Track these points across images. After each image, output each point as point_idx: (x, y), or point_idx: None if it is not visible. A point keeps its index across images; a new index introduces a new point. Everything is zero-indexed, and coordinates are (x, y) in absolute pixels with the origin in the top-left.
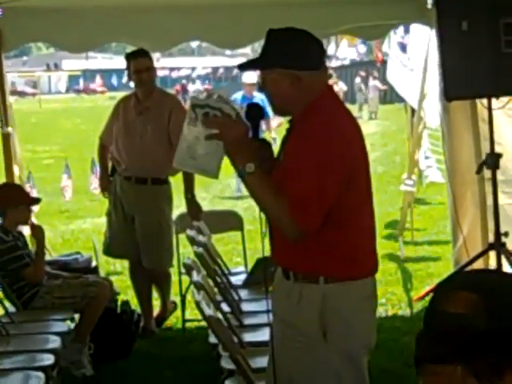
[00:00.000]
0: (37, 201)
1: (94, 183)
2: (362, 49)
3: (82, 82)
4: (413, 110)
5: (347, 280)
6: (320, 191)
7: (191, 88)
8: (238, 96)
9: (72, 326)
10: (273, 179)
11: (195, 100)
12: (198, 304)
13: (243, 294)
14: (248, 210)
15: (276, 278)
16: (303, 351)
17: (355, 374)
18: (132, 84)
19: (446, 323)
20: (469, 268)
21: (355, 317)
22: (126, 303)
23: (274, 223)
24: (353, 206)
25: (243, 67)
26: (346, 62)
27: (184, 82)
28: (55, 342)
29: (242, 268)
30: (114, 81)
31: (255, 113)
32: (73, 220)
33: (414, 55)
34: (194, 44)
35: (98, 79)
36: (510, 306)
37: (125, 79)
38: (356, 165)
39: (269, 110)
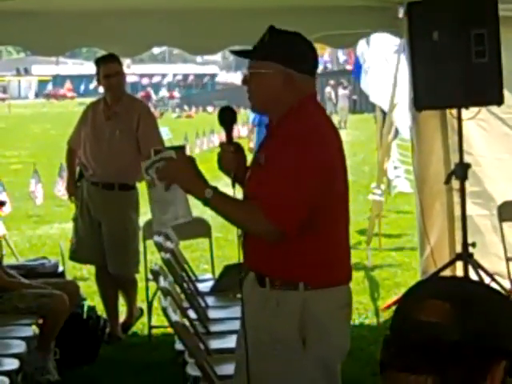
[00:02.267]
0: (2, 204)
1: (60, 187)
2: (342, 57)
3: (51, 87)
4: (383, 120)
5: (326, 287)
6: (298, 192)
7: (161, 94)
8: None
9: (37, 330)
10: (251, 181)
11: (143, 164)
12: (164, 310)
13: (210, 300)
14: (216, 217)
15: (247, 285)
16: (280, 359)
17: (330, 382)
18: (101, 89)
19: (418, 331)
20: None
21: (333, 325)
22: (92, 309)
23: (251, 233)
24: (332, 212)
25: (239, 53)
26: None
27: (148, 89)
28: (20, 347)
29: (209, 275)
30: (84, 86)
31: (228, 117)
32: (40, 225)
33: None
34: (166, 51)
35: (68, 84)
36: (484, 317)
37: (95, 85)
38: (335, 171)
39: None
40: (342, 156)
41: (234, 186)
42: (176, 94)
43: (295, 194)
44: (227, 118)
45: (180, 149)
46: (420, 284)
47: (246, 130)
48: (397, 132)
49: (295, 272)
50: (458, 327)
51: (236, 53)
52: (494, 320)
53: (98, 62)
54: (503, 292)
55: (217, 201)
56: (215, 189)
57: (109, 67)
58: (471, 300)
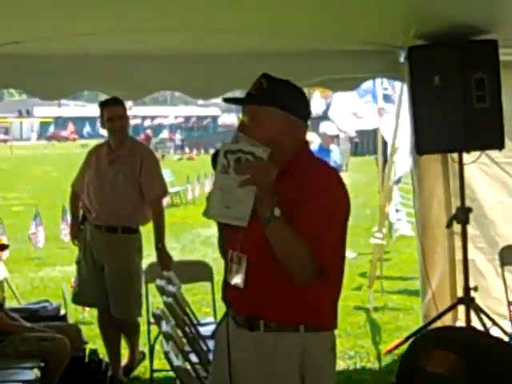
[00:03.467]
0: (4, 247)
1: (65, 231)
2: None
3: (53, 128)
4: (384, 163)
5: (322, 330)
6: (336, 233)
7: (161, 136)
8: (314, 146)
9: (39, 374)
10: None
11: (227, 146)
12: (166, 354)
13: (212, 344)
14: (218, 260)
15: (229, 329)
16: None
17: None
18: (104, 132)
19: (424, 382)
20: (438, 322)
21: (327, 367)
22: (94, 352)
23: (291, 266)
24: (343, 255)
25: (235, 101)
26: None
27: (148, 131)
28: None
29: (211, 318)
30: (87, 128)
31: None
32: (42, 267)
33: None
34: (167, 93)
35: (70, 126)
36: (489, 368)
37: (97, 127)
38: (347, 216)
39: None
40: (349, 201)
41: (221, 230)
42: (178, 135)
43: (333, 232)
44: None
45: (267, 152)
46: (426, 334)
47: None
48: (399, 179)
49: (297, 314)
50: (463, 378)
51: (231, 100)
52: (500, 372)
53: (102, 105)
54: (505, 335)
55: (281, 223)
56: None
57: (112, 110)
58: (478, 351)
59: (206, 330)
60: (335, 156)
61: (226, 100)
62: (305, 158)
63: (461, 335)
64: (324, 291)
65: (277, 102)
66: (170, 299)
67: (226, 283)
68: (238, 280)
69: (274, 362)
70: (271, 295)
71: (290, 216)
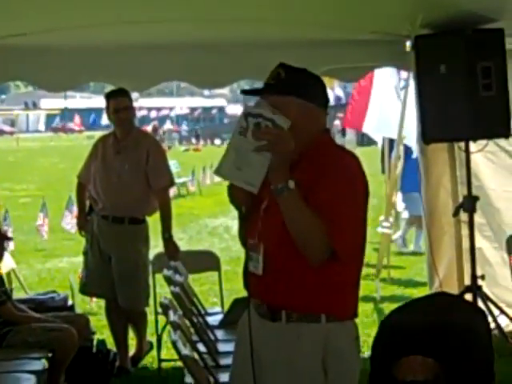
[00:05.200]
0: (8, 239)
1: (69, 221)
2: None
3: (59, 120)
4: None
5: (344, 319)
6: (355, 220)
7: (166, 128)
8: None
9: (47, 364)
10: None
11: (249, 108)
12: (174, 344)
13: (219, 334)
14: (225, 250)
15: (251, 319)
16: None
17: None
18: (110, 122)
19: None
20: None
21: (352, 357)
22: (101, 342)
23: (303, 243)
24: (362, 243)
25: (253, 92)
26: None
27: (155, 122)
28: (30, 381)
29: (218, 308)
30: (92, 120)
31: None
32: (49, 258)
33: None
34: (173, 84)
35: (77, 118)
36: (468, 367)
37: (104, 118)
38: (367, 205)
39: None
40: (368, 188)
41: (243, 220)
42: (184, 127)
43: (351, 219)
44: None
45: (287, 123)
46: (395, 334)
47: None
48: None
49: (317, 304)
50: (445, 380)
51: (249, 92)
52: (478, 356)
53: (108, 96)
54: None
55: (294, 195)
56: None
57: (118, 101)
58: (453, 350)
59: (213, 320)
60: None
61: (245, 91)
62: (325, 145)
63: (434, 332)
64: (343, 279)
65: (295, 91)
66: (177, 289)
67: (246, 272)
68: (257, 267)
69: (297, 353)
70: (291, 284)
71: (307, 198)
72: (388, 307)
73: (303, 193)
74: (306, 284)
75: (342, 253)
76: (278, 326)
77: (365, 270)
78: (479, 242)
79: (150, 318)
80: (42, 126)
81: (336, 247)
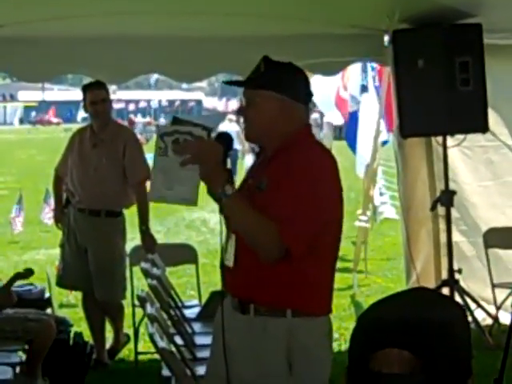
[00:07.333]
0: None
1: (47, 214)
2: None
3: (37, 113)
4: None
5: (312, 315)
6: (309, 217)
7: (143, 120)
8: None
9: (24, 357)
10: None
11: (163, 129)
12: (151, 336)
13: (197, 327)
14: (202, 243)
15: (226, 312)
16: None
17: None
18: (86, 115)
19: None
20: None
21: (319, 353)
22: (78, 335)
23: (250, 242)
24: (331, 240)
25: (235, 83)
26: None
27: (131, 116)
28: (6, 373)
29: (195, 301)
30: (70, 113)
31: (224, 142)
32: (26, 251)
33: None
34: (152, 77)
35: (54, 111)
36: (445, 362)
37: (81, 111)
38: (336, 202)
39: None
40: (340, 184)
41: (222, 212)
42: (162, 120)
43: (307, 218)
44: (223, 143)
45: (208, 130)
46: (370, 327)
47: None
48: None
49: (283, 298)
50: (421, 376)
51: (231, 83)
52: (455, 351)
53: (85, 88)
54: (489, 317)
55: (236, 201)
56: (234, 188)
57: (95, 94)
58: (430, 340)
59: (190, 313)
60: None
61: (227, 82)
62: (303, 142)
63: (408, 323)
64: (312, 276)
65: (273, 86)
66: (154, 282)
67: (222, 265)
68: (229, 260)
69: (262, 346)
70: (259, 278)
71: (269, 193)
72: (365, 300)
73: (273, 188)
74: (272, 278)
75: (295, 251)
76: (247, 319)
77: (342, 264)
78: (455, 236)
79: (127, 310)
80: (19, 119)
81: (289, 245)
